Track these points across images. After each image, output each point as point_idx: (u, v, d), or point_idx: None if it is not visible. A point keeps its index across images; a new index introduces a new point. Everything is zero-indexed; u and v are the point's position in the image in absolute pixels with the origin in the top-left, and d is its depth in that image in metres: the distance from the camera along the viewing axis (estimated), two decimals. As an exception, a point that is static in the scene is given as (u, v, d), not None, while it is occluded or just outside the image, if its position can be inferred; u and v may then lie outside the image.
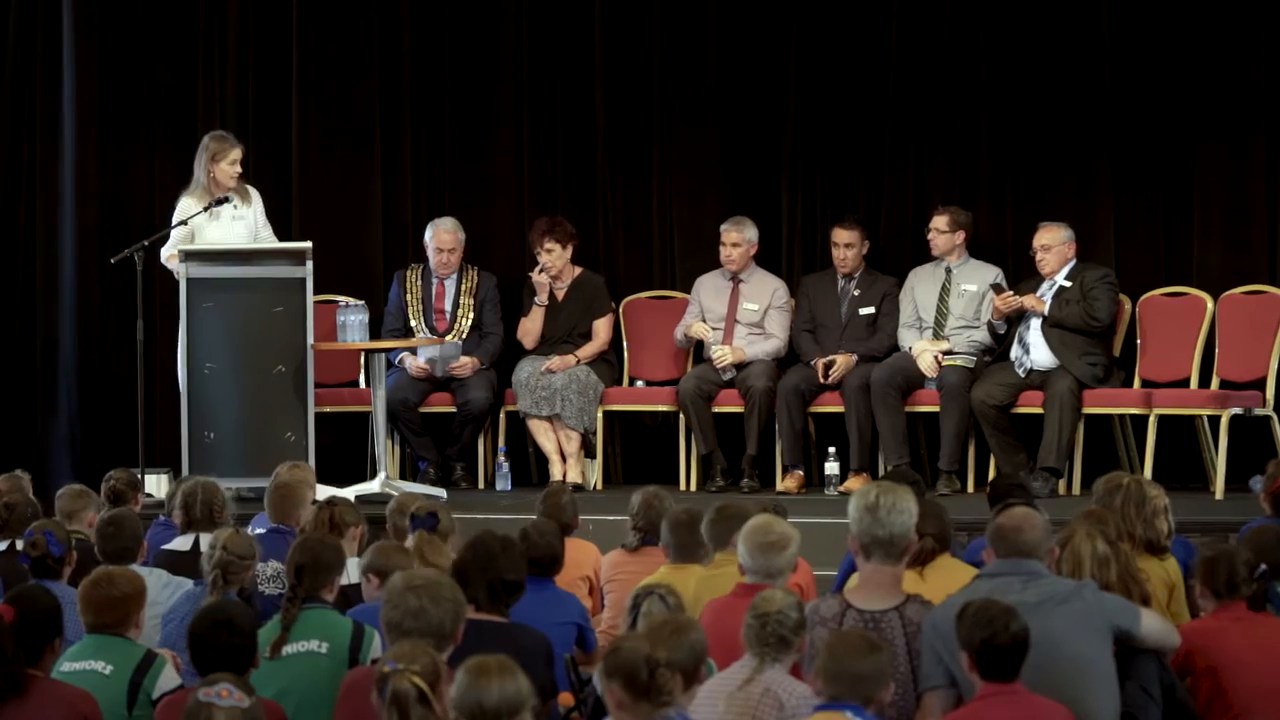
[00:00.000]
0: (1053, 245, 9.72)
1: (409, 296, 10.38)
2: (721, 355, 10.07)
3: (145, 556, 6.71)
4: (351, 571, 6.43)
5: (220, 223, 9.78)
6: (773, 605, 5.07)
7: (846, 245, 10.11)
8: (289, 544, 6.77)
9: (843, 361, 9.90)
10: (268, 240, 9.85)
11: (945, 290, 9.99)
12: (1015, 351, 9.71)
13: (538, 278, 10.30)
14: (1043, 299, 9.66)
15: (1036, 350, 9.64)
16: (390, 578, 5.22)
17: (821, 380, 9.90)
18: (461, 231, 10.36)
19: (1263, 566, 5.60)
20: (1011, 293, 9.72)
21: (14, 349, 11.14)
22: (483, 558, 5.63)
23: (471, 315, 10.38)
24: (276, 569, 6.65)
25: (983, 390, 9.66)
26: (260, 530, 7.16)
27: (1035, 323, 9.67)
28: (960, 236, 9.97)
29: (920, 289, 10.07)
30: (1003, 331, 9.84)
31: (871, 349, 10.01)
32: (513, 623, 5.63)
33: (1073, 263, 9.75)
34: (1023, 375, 9.65)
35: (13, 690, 4.93)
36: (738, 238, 10.23)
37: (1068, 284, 9.68)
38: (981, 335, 9.89)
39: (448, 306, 10.37)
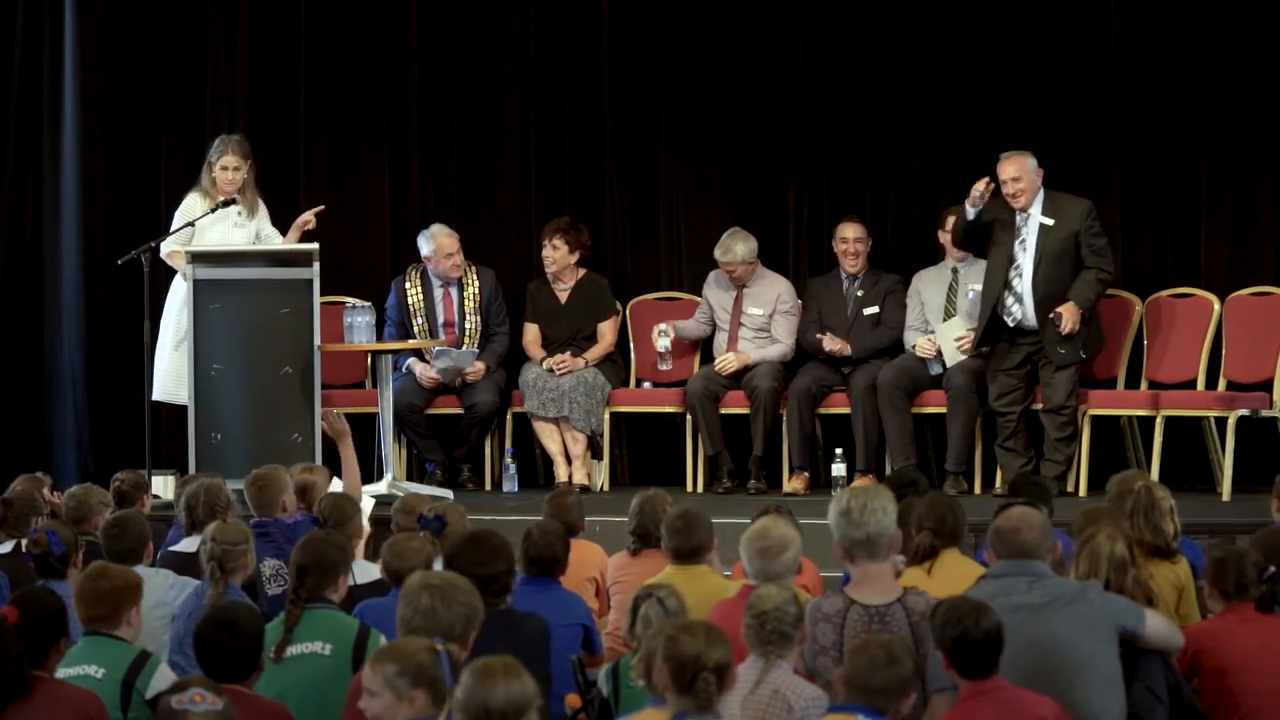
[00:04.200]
0: (1023, 176, 9.44)
1: (410, 303, 10.33)
2: (725, 363, 10.06)
3: (152, 558, 6.70)
4: (357, 573, 6.43)
5: (221, 227, 9.78)
6: (769, 603, 5.06)
7: (856, 240, 10.08)
8: (274, 536, 6.76)
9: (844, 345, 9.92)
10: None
11: (952, 290, 9.97)
12: (1008, 301, 9.49)
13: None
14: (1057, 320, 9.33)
15: (1025, 304, 9.46)
16: (409, 576, 5.21)
17: (825, 348, 9.86)
18: (455, 233, 10.33)
19: (1271, 568, 5.59)
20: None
21: (21, 351, 11.14)
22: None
23: (480, 321, 10.34)
24: (275, 567, 6.63)
25: (991, 392, 9.64)
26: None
27: (1026, 270, 9.49)
28: None
29: (927, 290, 10.05)
30: (972, 218, 9.51)
31: (875, 344, 10.00)
32: (511, 609, 5.63)
33: (1041, 192, 9.50)
34: (1011, 325, 9.47)
35: (16, 691, 4.92)
36: (732, 261, 10.08)
37: (1049, 221, 9.44)
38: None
39: (455, 318, 10.34)
